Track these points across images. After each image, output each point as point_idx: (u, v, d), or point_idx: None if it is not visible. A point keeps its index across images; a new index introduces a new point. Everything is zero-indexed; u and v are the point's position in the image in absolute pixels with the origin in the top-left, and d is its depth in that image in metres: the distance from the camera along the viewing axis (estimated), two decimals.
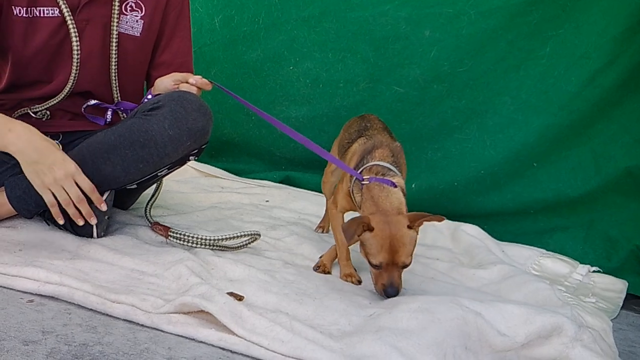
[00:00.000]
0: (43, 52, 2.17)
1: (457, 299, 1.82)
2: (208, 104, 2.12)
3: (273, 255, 2.20)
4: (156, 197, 2.32)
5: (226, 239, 2.12)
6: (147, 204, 2.29)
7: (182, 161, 2.10)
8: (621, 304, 2.41)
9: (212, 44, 3.02)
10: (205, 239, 2.11)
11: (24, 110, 2.25)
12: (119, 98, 2.28)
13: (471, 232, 2.67)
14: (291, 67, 3.01)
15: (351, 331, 1.69)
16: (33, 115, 2.25)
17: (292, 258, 2.21)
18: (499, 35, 2.81)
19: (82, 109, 2.18)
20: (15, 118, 2.23)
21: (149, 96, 2.16)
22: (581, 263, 2.66)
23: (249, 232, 2.17)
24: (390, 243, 1.86)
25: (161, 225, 2.18)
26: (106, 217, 2.07)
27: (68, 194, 1.93)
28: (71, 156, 2.05)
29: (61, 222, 1.97)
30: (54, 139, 2.26)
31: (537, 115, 2.82)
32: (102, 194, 2.04)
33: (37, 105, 2.24)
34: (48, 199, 1.94)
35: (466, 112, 2.89)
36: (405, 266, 1.90)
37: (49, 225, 2.10)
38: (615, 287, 2.52)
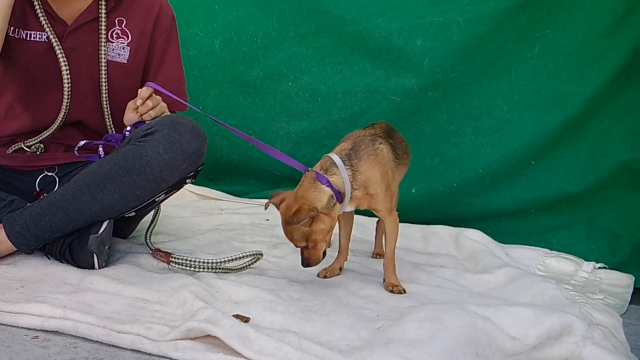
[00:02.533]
0: (28, 73, 2.18)
1: (464, 305, 1.81)
2: (203, 127, 2.12)
3: (277, 274, 2.19)
4: (155, 223, 2.31)
5: (228, 260, 2.12)
6: (147, 231, 2.28)
7: (178, 185, 2.10)
8: (629, 299, 2.38)
9: (213, 66, 3.05)
10: (208, 263, 2.10)
11: (17, 145, 2.25)
12: (112, 126, 2.28)
13: (474, 237, 2.66)
14: (290, 83, 3.04)
15: (360, 345, 1.68)
16: (27, 149, 2.25)
17: (296, 275, 2.19)
18: (488, 40, 2.83)
19: (75, 152, 2.18)
20: (10, 153, 2.24)
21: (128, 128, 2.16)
22: (586, 260, 2.64)
23: (251, 253, 2.16)
24: (284, 229, 2.00)
25: (162, 251, 2.17)
26: (107, 247, 2.06)
27: None
28: (68, 188, 2.05)
29: None
30: (49, 172, 2.29)
31: (530, 114, 2.82)
32: (100, 224, 2.04)
33: (30, 139, 2.24)
34: None
35: (461, 116, 2.90)
36: (304, 247, 2.00)
37: (49, 259, 2.09)
38: (622, 283, 2.50)
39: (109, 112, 2.26)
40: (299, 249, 2.05)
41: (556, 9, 2.77)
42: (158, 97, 2.10)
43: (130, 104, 2.12)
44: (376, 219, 2.44)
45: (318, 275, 2.23)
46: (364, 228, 2.69)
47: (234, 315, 1.77)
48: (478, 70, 2.87)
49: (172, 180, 2.04)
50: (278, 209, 2.05)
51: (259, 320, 1.79)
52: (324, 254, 2.06)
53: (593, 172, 2.77)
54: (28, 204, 2.16)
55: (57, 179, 2.29)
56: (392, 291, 2.08)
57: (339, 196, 2.03)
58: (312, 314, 1.84)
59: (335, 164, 2.05)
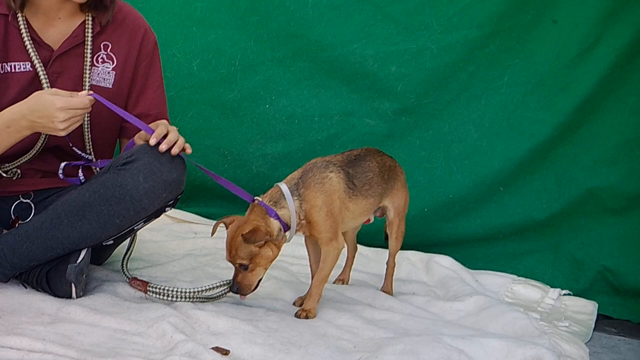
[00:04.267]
0: None
1: (439, 337, 1.86)
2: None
3: (254, 302, 2.21)
4: (131, 251, 2.31)
5: (206, 290, 2.13)
6: (123, 258, 2.28)
7: (158, 213, 2.11)
8: (593, 326, 2.47)
9: (190, 87, 3.08)
10: (185, 292, 2.11)
11: None
12: (92, 151, 2.27)
13: (444, 263, 2.72)
14: (267, 105, 3.08)
15: None
16: (4, 174, 2.23)
17: (273, 304, 2.22)
18: (460, 68, 2.91)
19: (60, 174, 2.17)
20: None
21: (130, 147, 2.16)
22: (551, 287, 2.72)
23: (228, 281, 2.18)
24: (229, 245, 2.05)
25: (139, 280, 2.17)
26: (84, 275, 2.06)
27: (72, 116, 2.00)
28: (46, 216, 2.05)
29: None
30: (25, 199, 2.28)
31: (500, 141, 2.90)
32: (79, 253, 2.04)
33: (6, 164, 2.22)
34: (73, 129, 2.03)
35: (433, 141, 2.97)
36: (242, 266, 2.04)
37: (26, 287, 2.08)
38: (586, 310, 2.59)
39: (90, 137, 2.25)
40: (233, 273, 2.07)
41: (524, 40, 2.86)
42: (173, 127, 2.09)
43: (142, 135, 2.12)
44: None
45: (294, 304, 2.26)
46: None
47: (213, 348, 1.80)
48: (450, 96, 2.95)
49: (152, 208, 2.05)
50: (226, 229, 2.09)
51: (238, 353, 1.82)
52: (258, 284, 2.10)
53: (559, 199, 2.86)
54: (4, 231, 2.15)
55: (32, 206, 2.27)
56: (299, 316, 2.12)
57: (286, 227, 2.09)
58: (290, 346, 1.87)
59: (283, 195, 2.09)
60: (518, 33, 2.85)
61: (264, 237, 2.02)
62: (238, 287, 2.06)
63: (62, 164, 2.18)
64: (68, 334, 1.83)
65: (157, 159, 2.02)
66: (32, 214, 2.26)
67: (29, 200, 2.28)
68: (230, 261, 2.07)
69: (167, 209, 2.12)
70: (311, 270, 2.30)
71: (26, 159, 2.22)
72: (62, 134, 2.00)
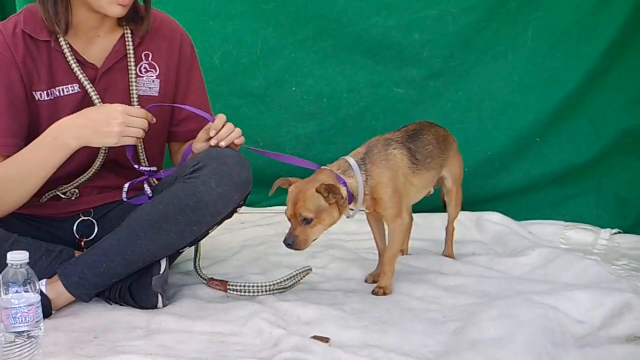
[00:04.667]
0: None
1: (528, 296, 1.92)
2: None
3: (329, 286, 2.25)
4: (200, 252, 2.34)
5: (283, 280, 2.17)
6: (195, 260, 2.31)
7: (230, 214, 2.14)
8: None
9: (214, 80, 3.07)
10: (264, 286, 2.15)
11: (52, 192, 2.24)
12: (146, 160, 2.29)
13: (494, 219, 2.78)
14: (294, 88, 3.11)
15: (443, 350, 1.76)
16: (62, 195, 2.24)
17: (347, 285, 2.26)
18: (482, 27, 2.95)
19: (124, 198, 2.18)
20: (45, 201, 2.23)
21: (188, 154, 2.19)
22: (600, 227, 2.79)
23: (302, 269, 2.22)
24: (295, 197, 2.05)
25: (217, 280, 2.21)
26: (167, 284, 2.09)
27: (135, 127, 2.01)
28: (121, 233, 2.06)
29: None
30: (86, 216, 2.29)
31: (531, 94, 2.96)
32: (159, 263, 2.07)
33: (64, 185, 2.23)
34: (130, 141, 2.04)
35: (464, 102, 3.02)
36: (305, 219, 2.03)
37: (110, 304, 2.11)
38: (639, 245, 2.66)
39: (143, 147, 2.26)
40: (290, 226, 2.07)
41: None
42: (230, 123, 2.11)
43: (202, 134, 2.13)
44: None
45: (366, 281, 2.31)
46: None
47: (312, 337, 1.84)
48: (476, 56, 2.99)
49: (225, 211, 2.07)
50: (288, 189, 2.11)
51: (336, 339, 1.85)
52: (310, 243, 2.08)
53: (596, 142, 2.93)
54: (75, 252, 2.17)
55: (94, 222, 2.29)
56: (376, 294, 2.16)
57: (351, 198, 2.11)
58: (384, 325, 1.92)
59: (351, 166, 2.11)
60: None
61: (339, 193, 2.04)
62: (294, 240, 2.05)
63: (126, 186, 2.19)
64: (169, 345, 1.86)
65: (224, 164, 2.03)
66: (96, 231, 2.28)
67: (90, 217, 2.30)
68: (292, 214, 2.06)
69: (238, 209, 2.14)
70: (377, 246, 2.34)
71: (85, 178, 2.22)
72: (115, 140, 2.00)
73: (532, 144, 2.97)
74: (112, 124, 1.98)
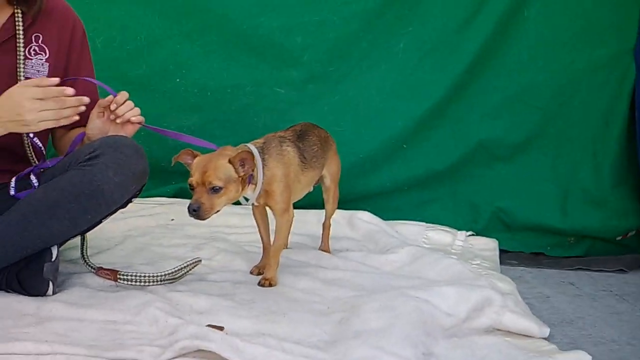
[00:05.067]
0: None
1: (404, 291, 2.12)
2: None
3: (216, 277, 2.34)
4: (87, 242, 2.34)
5: (174, 271, 2.23)
6: (82, 249, 2.30)
7: (125, 204, 2.16)
8: (498, 261, 2.86)
9: (96, 64, 3.01)
10: (155, 276, 2.20)
11: None
12: (30, 147, 2.25)
13: (365, 218, 2.99)
14: (178, 80, 3.17)
15: (331, 340, 1.91)
16: None
17: (234, 276, 2.36)
18: (360, 37, 3.17)
19: (11, 191, 2.13)
20: None
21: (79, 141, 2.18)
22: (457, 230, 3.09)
23: (192, 260, 2.29)
24: (204, 165, 2.10)
25: (106, 269, 2.23)
26: (57, 271, 2.08)
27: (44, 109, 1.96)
28: (11, 217, 2.03)
29: (76, 118, 2.01)
30: None
31: (400, 103, 3.21)
32: (51, 250, 2.06)
33: None
34: (49, 125, 1.98)
35: (340, 106, 3.22)
36: (214, 188, 2.08)
37: None
38: (489, 247, 2.97)
39: (27, 134, 2.22)
40: (195, 194, 2.08)
41: (416, 8, 3.16)
42: (130, 101, 2.14)
43: (95, 112, 2.13)
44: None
45: (251, 273, 2.42)
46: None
47: (207, 326, 1.92)
48: (353, 63, 3.20)
49: (121, 201, 2.10)
50: (189, 165, 2.15)
51: (230, 328, 1.95)
52: (212, 214, 2.10)
53: (455, 151, 3.22)
54: None
55: None
56: (262, 285, 2.28)
57: (250, 178, 2.19)
58: (273, 315, 2.04)
59: (251, 151, 2.21)
60: (410, 3, 3.13)
61: (252, 166, 2.12)
62: (199, 206, 2.06)
63: (13, 180, 2.15)
64: (62, 332, 1.87)
65: (122, 153, 2.06)
66: None
67: None
68: (201, 182, 2.08)
69: (133, 199, 2.17)
70: (262, 239, 2.46)
71: None
72: (33, 128, 1.96)
73: (399, 149, 3.22)
74: (23, 114, 1.94)
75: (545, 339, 2.04)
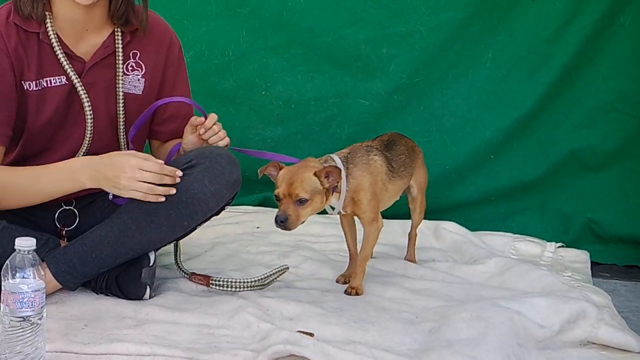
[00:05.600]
0: (52, 121, 2.21)
1: (495, 301, 2.10)
2: None
3: (304, 284, 2.37)
4: (180, 247, 2.41)
5: (263, 277, 2.28)
6: (175, 255, 2.37)
7: (219, 212, 2.22)
8: (590, 274, 2.78)
9: None
10: (246, 282, 2.25)
11: None
12: None
13: (451, 228, 2.97)
14: (263, 92, 3.24)
15: (421, 348, 1.91)
16: None
17: (321, 284, 2.38)
18: (447, 47, 3.15)
19: (111, 199, 2.22)
20: None
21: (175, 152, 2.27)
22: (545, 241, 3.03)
23: (280, 267, 2.34)
24: (290, 177, 2.12)
25: (199, 275, 2.29)
26: (154, 276, 2.16)
27: (147, 182, 2.03)
28: (112, 224, 2.12)
29: (162, 199, 2.06)
30: (67, 205, 2.33)
31: (488, 113, 3.18)
32: (148, 255, 2.14)
33: None
34: (137, 196, 2.05)
35: (425, 116, 3.21)
36: (300, 200, 2.11)
37: (97, 294, 2.16)
38: (580, 259, 2.90)
39: (125, 144, 2.32)
40: (281, 205, 2.11)
41: (505, 19, 3.13)
42: (219, 123, 2.23)
43: (188, 128, 2.22)
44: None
45: (337, 281, 2.44)
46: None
47: (298, 332, 1.95)
48: (439, 74, 3.18)
49: (216, 208, 2.16)
50: (274, 176, 2.18)
51: (320, 334, 1.97)
52: (299, 224, 2.13)
53: (544, 162, 3.17)
54: (62, 242, 2.21)
55: (76, 212, 2.33)
56: (349, 293, 2.29)
57: (334, 190, 2.21)
58: (363, 323, 2.05)
59: (334, 160, 2.24)
60: (498, 13, 3.11)
61: (339, 178, 2.14)
62: (287, 217, 2.10)
63: None
64: (160, 335, 1.93)
65: (217, 162, 2.12)
66: (77, 220, 2.33)
67: (71, 207, 2.34)
68: (287, 194, 2.11)
69: (226, 206, 2.23)
70: (349, 248, 2.48)
71: None
72: (122, 192, 2.04)
73: (486, 160, 3.19)
74: (121, 177, 2.02)
75: None
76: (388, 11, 3.12)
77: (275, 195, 2.16)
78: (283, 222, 2.12)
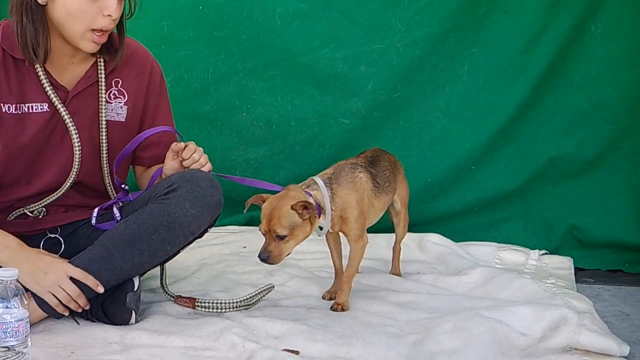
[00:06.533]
0: (31, 146, 2.22)
1: (477, 311, 2.12)
2: None
3: (290, 302, 2.39)
4: (166, 272, 2.42)
5: (249, 297, 2.30)
6: (161, 278, 2.39)
7: (202, 235, 2.25)
8: (574, 280, 2.81)
9: None
10: (231, 303, 2.27)
11: (19, 211, 2.28)
12: (110, 184, 2.37)
13: (435, 240, 2.99)
14: (244, 114, 3.27)
15: None
16: (30, 214, 2.29)
17: (307, 301, 2.41)
18: (424, 62, 3.19)
19: (94, 224, 2.25)
20: (12, 219, 2.27)
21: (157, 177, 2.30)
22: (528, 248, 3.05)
23: (265, 287, 2.35)
24: (270, 213, 2.15)
25: (184, 297, 2.31)
26: (139, 301, 2.17)
27: (67, 292, 2.08)
28: (94, 251, 2.14)
29: (66, 313, 2.12)
30: (52, 234, 2.35)
31: (467, 125, 3.21)
32: (133, 281, 2.15)
33: (32, 204, 2.28)
34: (51, 300, 2.09)
35: (405, 131, 3.25)
36: (279, 236, 2.15)
37: (78, 323, 2.16)
38: (564, 265, 2.93)
39: (108, 171, 2.34)
40: (265, 241, 2.17)
41: (479, 31, 3.17)
42: (200, 148, 2.26)
43: (169, 154, 2.24)
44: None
45: (323, 298, 2.46)
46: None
47: (283, 350, 1.97)
48: (417, 89, 3.22)
49: (198, 231, 2.18)
50: (261, 204, 2.22)
51: (306, 352, 1.99)
52: (282, 258, 2.19)
53: (524, 170, 3.20)
54: None
55: (61, 240, 2.35)
56: (335, 310, 2.32)
57: (319, 210, 2.24)
58: (348, 339, 2.07)
59: (317, 183, 2.27)
60: (473, 25, 3.15)
61: (313, 210, 2.17)
62: (269, 255, 2.15)
63: (95, 211, 2.26)
64: (147, 359, 1.95)
65: (198, 185, 2.15)
66: (62, 248, 2.34)
67: (56, 235, 2.35)
68: (267, 230, 2.16)
69: (209, 229, 2.25)
70: (334, 264, 2.50)
71: (54, 197, 2.28)
72: (39, 290, 2.07)
73: (468, 171, 3.22)
74: (46, 276, 2.07)
75: (625, 357, 2.01)
76: (364, 29, 3.16)
77: (262, 233, 2.20)
78: (265, 260, 2.17)
